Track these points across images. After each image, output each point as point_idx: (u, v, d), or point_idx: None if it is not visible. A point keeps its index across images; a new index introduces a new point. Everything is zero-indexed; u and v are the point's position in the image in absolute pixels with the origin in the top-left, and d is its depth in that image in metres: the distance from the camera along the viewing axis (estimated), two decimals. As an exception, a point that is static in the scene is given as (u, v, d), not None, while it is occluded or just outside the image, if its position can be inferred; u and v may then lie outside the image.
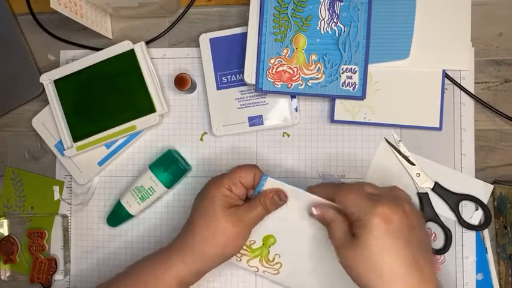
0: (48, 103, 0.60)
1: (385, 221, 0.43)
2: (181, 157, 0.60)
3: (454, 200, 0.55)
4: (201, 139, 0.61)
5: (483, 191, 0.56)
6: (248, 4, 0.56)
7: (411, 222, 0.44)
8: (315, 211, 0.49)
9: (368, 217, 0.43)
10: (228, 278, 0.59)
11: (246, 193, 0.51)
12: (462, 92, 0.57)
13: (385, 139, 0.57)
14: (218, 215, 0.48)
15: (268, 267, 0.54)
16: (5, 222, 0.63)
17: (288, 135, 0.59)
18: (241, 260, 0.54)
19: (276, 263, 0.54)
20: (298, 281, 0.54)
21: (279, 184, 0.50)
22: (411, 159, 0.56)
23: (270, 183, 0.50)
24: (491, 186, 0.55)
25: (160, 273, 0.49)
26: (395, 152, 0.57)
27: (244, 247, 0.53)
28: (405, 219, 0.44)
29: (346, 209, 0.46)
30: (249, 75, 0.56)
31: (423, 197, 0.56)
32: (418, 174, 0.56)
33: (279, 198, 0.50)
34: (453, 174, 0.56)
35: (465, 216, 0.56)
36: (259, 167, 0.52)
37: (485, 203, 0.55)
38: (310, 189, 0.51)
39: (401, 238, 0.43)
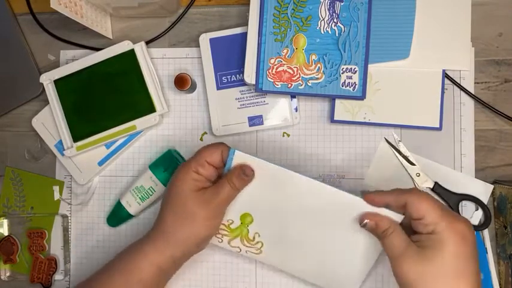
0: (48, 103, 0.60)
1: (463, 240, 0.40)
2: (181, 157, 0.60)
3: (454, 200, 0.55)
4: (201, 139, 0.61)
5: (483, 191, 0.56)
6: (248, 4, 0.56)
7: (476, 245, 0.42)
8: (367, 221, 0.45)
9: (447, 233, 0.40)
10: (228, 278, 0.59)
11: (217, 172, 0.50)
12: (462, 92, 0.57)
13: (385, 139, 0.57)
14: (186, 199, 0.47)
15: (249, 247, 0.53)
16: (5, 222, 0.63)
17: (288, 135, 0.59)
18: (222, 241, 0.53)
19: (257, 242, 0.53)
20: (280, 260, 0.53)
21: (248, 158, 0.48)
22: (411, 159, 0.56)
23: (239, 158, 0.48)
24: (491, 186, 0.55)
25: (136, 261, 0.48)
26: (395, 152, 0.57)
27: (224, 227, 0.52)
28: (475, 241, 0.42)
29: (419, 217, 0.42)
30: (249, 75, 0.56)
31: None
32: (418, 174, 0.56)
33: (245, 174, 0.47)
34: (453, 174, 0.56)
35: (465, 216, 0.56)
36: (226, 143, 0.50)
37: (485, 203, 0.55)
38: (369, 197, 0.46)
39: (472, 262, 0.40)
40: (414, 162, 0.56)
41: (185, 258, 0.50)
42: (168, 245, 0.48)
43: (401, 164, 0.57)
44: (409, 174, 0.56)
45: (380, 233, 0.45)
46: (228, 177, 0.48)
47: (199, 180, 0.48)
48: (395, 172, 0.57)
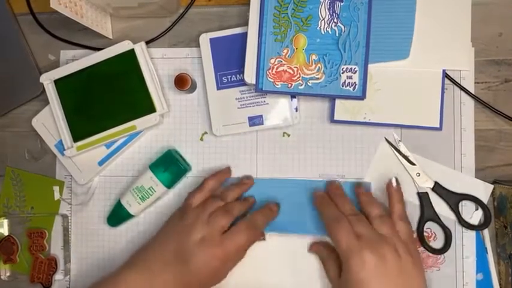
0: (48, 103, 0.60)
1: (365, 266, 0.46)
2: (181, 157, 0.60)
3: (454, 199, 0.55)
4: (201, 139, 0.61)
5: (483, 190, 0.56)
6: (248, 4, 0.56)
7: (399, 266, 0.47)
8: (310, 248, 0.57)
9: (349, 262, 0.47)
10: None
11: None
12: (462, 92, 0.57)
13: (385, 139, 0.57)
14: (203, 261, 0.50)
15: None
16: (5, 222, 0.63)
17: (288, 135, 0.59)
18: None
19: None
20: None
21: None
22: (411, 159, 0.56)
23: None
24: (491, 186, 0.55)
25: None
26: (395, 151, 0.57)
27: None
28: (391, 263, 0.47)
29: (336, 247, 0.50)
30: (249, 75, 0.56)
31: (423, 196, 0.56)
32: (418, 174, 0.56)
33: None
34: (453, 174, 0.56)
35: (465, 216, 0.56)
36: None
37: (485, 203, 0.55)
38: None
39: (384, 282, 0.46)
40: (414, 162, 0.56)
41: None
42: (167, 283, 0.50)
43: (402, 163, 0.57)
44: (409, 174, 0.56)
45: (321, 260, 0.56)
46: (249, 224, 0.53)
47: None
48: (395, 172, 0.57)
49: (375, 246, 0.47)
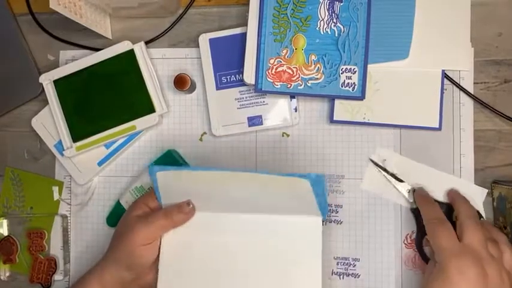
0: (48, 103, 0.60)
1: (463, 273, 0.43)
2: (181, 157, 0.60)
3: (444, 209, 0.53)
4: (201, 139, 0.61)
5: (479, 195, 0.55)
6: (248, 4, 0.56)
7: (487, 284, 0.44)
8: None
9: (447, 263, 0.45)
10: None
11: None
12: (461, 92, 0.57)
13: (370, 160, 0.57)
14: (129, 223, 0.51)
15: None
16: (5, 222, 0.63)
17: (288, 136, 0.59)
18: None
19: None
20: None
21: (170, 171, 0.49)
22: (399, 177, 0.56)
23: (163, 176, 0.49)
24: (486, 191, 0.55)
25: (87, 280, 0.51)
26: (382, 171, 0.56)
27: None
28: (492, 284, 0.44)
29: (434, 249, 0.48)
30: (249, 76, 0.56)
31: (416, 212, 0.54)
32: (408, 191, 0.55)
33: (182, 212, 0.51)
34: (447, 179, 0.56)
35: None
36: None
37: (481, 206, 0.55)
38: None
39: None
40: (402, 178, 0.56)
41: (123, 284, 0.51)
42: (108, 264, 0.51)
43: (390, 182, 0.56)
44: (399, 191, 0.56)
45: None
46: (167, 212, 0.51)
47: (146, 211, 0.52)
48: (386, 191, 0.57)
49: (479, 259, 0.45)
